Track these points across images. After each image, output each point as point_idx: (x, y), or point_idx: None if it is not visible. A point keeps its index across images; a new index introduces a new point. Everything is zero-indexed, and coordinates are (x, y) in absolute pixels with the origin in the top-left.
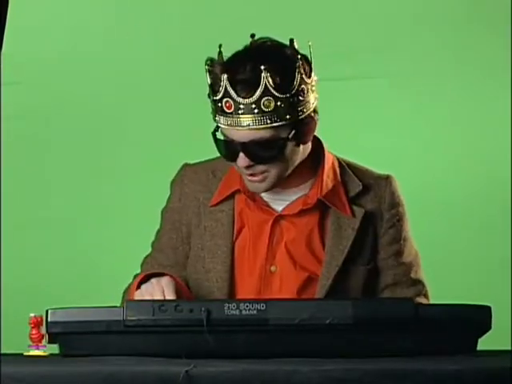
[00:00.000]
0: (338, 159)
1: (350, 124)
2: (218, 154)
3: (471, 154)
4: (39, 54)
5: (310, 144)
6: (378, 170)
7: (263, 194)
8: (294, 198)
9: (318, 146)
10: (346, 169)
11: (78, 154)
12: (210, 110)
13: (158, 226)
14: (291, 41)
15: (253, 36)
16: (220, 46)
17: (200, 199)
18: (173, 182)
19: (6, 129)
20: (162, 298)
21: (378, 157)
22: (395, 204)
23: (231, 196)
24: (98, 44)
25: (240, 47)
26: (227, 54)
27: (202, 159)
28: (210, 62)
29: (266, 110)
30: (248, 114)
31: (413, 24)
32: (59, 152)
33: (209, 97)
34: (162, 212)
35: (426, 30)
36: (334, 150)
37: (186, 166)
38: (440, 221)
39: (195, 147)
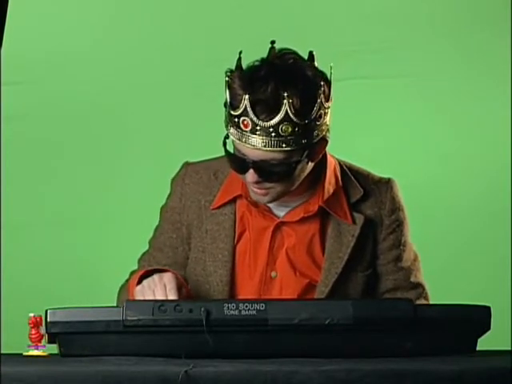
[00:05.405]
0: (339, 163)
1: (349, 124)
2: (219, 153)
3: (472, 155)
4: (39, 54)
5: None
6: (377, 171)
7: None
8: (295, 204)
9: None
10: (348, 174)
11: (78, 153)
12: (224, 117)
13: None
14: (311, 56)
15: (273, 42)
16: (240, 53)
17: (201, 201)
18: (173, 181)
19: (6, 129)
20: (163, 294)
21: (377, 158)
22: (395, 209)
23: (233, 200)
24: (99, 44)
25: (242, 48)
26: (225, 56)
27: (203, 157)
28: (230, 74)
29: (282, 134)
30: (264, 135)
31: (413, 25)
32: (59, 152)
33: (225, 106)
34: (162, 210)
35: (426, 32)
36: (332, 151)
37: (187, 164)
38: (440, 222)
39: (195, 145)
